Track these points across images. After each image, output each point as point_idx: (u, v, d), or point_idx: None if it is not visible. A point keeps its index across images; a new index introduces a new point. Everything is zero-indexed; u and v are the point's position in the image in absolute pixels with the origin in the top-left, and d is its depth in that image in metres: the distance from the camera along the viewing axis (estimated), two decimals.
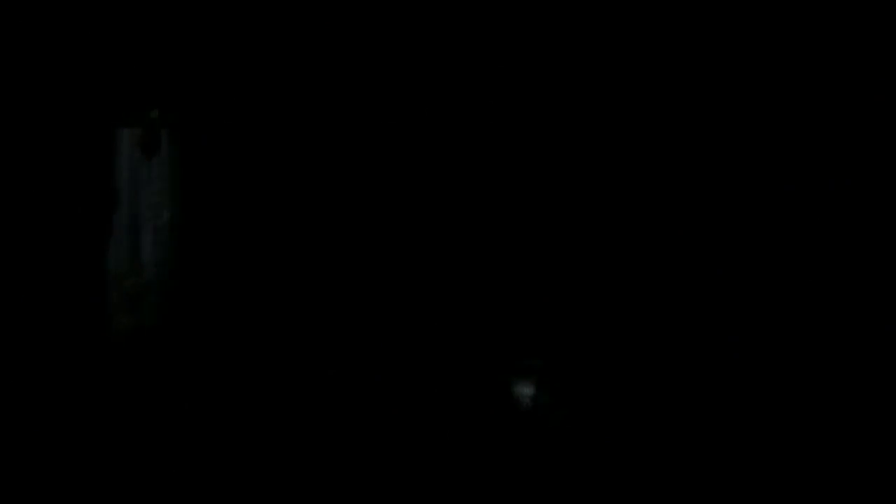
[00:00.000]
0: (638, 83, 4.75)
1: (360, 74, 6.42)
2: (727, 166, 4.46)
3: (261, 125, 6.91)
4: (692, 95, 4.61)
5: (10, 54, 6.09)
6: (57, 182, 6.29)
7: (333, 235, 6.68)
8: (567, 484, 4.37)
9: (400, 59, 6.04)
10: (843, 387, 4.23)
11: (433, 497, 4.49)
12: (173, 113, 6.94)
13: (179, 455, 5.48)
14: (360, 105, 6.43)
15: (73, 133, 6.37)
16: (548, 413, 4.52)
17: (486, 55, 5.28)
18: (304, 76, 6.76)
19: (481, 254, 5.33)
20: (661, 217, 4.69)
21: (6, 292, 5.98)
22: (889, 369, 4.14)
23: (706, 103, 4.61)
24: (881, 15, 4.12)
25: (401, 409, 5.11)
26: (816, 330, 4.26)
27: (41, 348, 6.14)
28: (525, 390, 4.59)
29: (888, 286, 4.16)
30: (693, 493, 4.27)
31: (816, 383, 4.25)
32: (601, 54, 4.82)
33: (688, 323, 4.58)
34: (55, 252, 6.26)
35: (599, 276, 4.83)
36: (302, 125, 6.79)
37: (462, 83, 5.62)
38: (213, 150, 6.97)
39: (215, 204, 6.95)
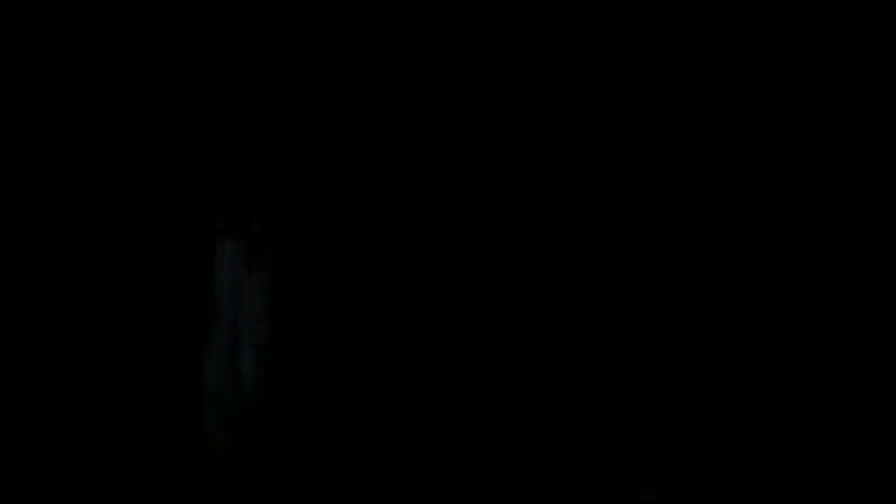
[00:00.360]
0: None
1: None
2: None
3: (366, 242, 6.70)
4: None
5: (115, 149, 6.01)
6: (154, 288, 6.12)
7: (442, 355, 6.34)
8: None
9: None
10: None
11: None
12: (278, 226, 6.78)
13: None
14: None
15: (173, 240, 6.22)
16: None
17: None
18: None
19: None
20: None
21: (100, 395, 5.75)
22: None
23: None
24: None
25: None
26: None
27: (134, 463, 5.86)
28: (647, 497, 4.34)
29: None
30: None
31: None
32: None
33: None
34: (149, 362, 6.04)
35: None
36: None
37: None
38: (314, 265, 6.76)
39: (317, 321, 6.70)
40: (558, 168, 5.34)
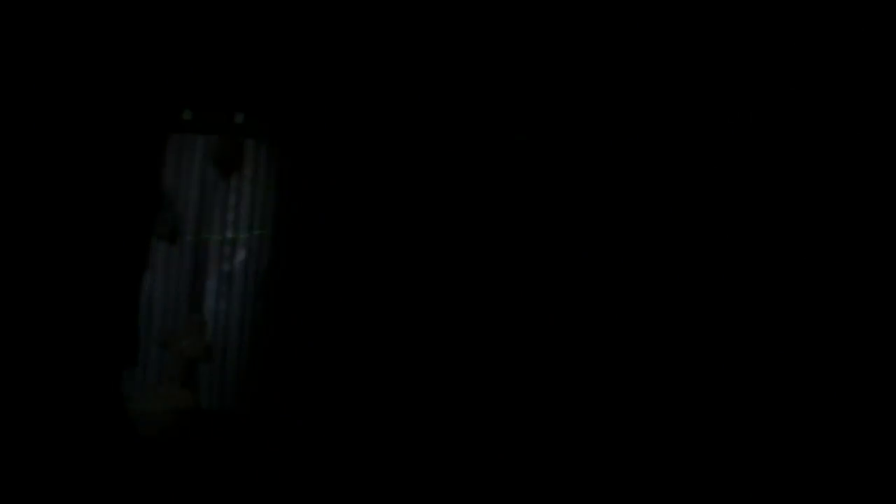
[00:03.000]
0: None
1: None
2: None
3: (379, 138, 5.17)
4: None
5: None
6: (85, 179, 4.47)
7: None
8: None
9: None
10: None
11: None
12: (263, 119, 5.16)
13: None
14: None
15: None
16: None
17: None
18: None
19: None
20: None
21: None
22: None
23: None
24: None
25: None
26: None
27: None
28: None
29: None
30: None
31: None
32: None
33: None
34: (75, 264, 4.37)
35: None
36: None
37: None
38: (314, 170, 5.18)
39: (312, 244, 5.15)
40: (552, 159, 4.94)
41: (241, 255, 5.13)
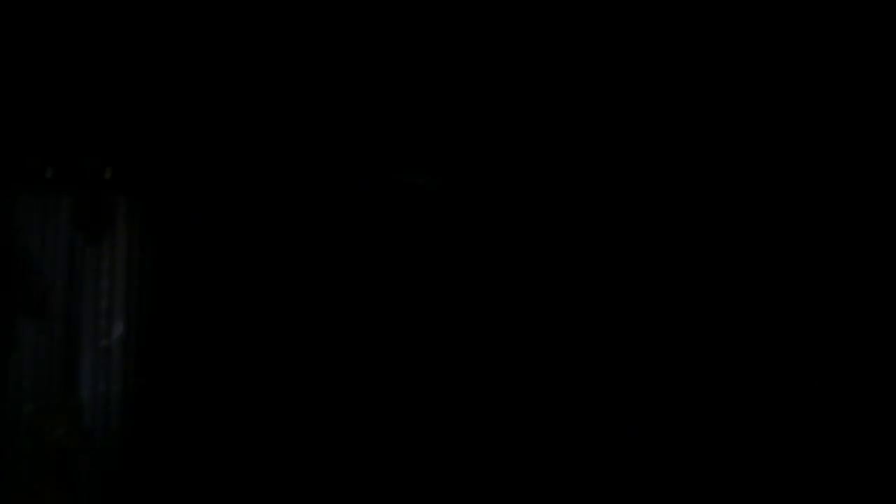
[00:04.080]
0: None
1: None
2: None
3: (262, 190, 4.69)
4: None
5: None
6: None
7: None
8: None
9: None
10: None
11: None
12: (135, 172, 4.62)
13: None
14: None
15: None
16: None
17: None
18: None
19: None
20: None
21: None
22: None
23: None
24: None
25: None
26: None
27: None
28: None
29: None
30: None
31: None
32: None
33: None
34: None
35: None
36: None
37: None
38: (197, 227, 4.65)
39: (200, 310, 4.60)
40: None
41: (119, 327, 4.53)
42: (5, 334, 4.39)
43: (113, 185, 4.54)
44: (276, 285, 4.68)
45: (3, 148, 4.38)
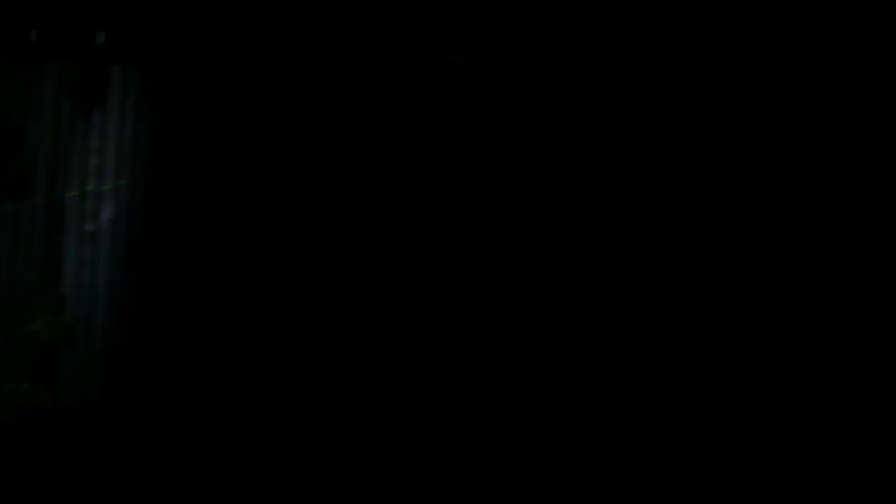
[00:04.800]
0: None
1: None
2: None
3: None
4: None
5: None
6: None
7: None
8: None
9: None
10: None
11: None
12: (131, 38, 4.11)
13: None
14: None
15: None
16: None
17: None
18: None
19: None
20: None
21: None
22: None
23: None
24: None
25: None
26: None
27: None
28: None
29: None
30: None
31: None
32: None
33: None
34: None
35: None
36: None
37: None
38: (198, 102, 4.11)
39: (197, 195, 4.08)
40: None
41: (107, 211, 4.06)
42: None
43: (105, 52, 4.05)
44: (289, 169, 4.09)
45: None
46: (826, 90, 4.12)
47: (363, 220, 4.11)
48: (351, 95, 4.12)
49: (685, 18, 4.09)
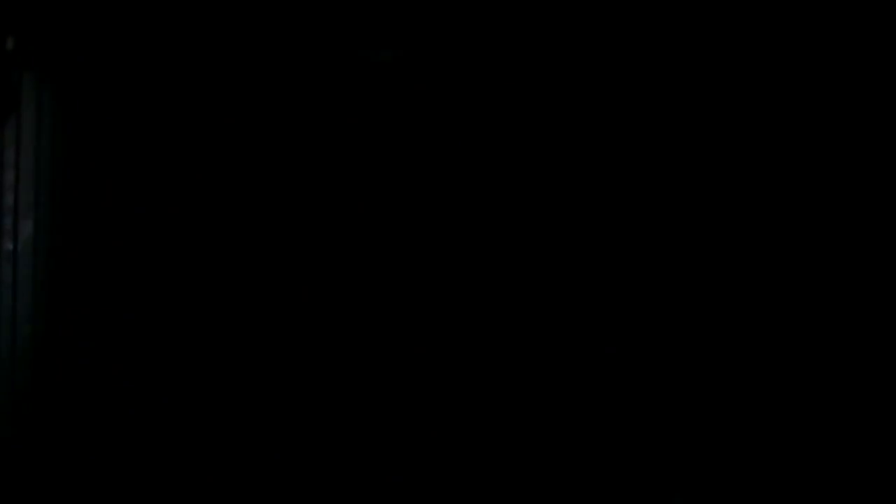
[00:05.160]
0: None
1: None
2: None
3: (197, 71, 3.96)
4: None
5: None
6: None
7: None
8: None
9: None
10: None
11: None
12: (44, 44, 3.87)
13: None
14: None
15: None
16: None
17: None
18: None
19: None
20: None
21: None
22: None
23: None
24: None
25: None
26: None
27: None
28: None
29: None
30: None
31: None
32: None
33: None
34: None
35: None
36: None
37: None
38: (121, 110, 3.91)
39: (120, 212, 3.88)
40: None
41: (26, 229, 3.81)
42: None
43: (16, 59, 3.79)
44: (217, 176, 3.95)
45: None
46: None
47: (280, 228, 4.01)
48: (282, 94, 4.01)
49: None
